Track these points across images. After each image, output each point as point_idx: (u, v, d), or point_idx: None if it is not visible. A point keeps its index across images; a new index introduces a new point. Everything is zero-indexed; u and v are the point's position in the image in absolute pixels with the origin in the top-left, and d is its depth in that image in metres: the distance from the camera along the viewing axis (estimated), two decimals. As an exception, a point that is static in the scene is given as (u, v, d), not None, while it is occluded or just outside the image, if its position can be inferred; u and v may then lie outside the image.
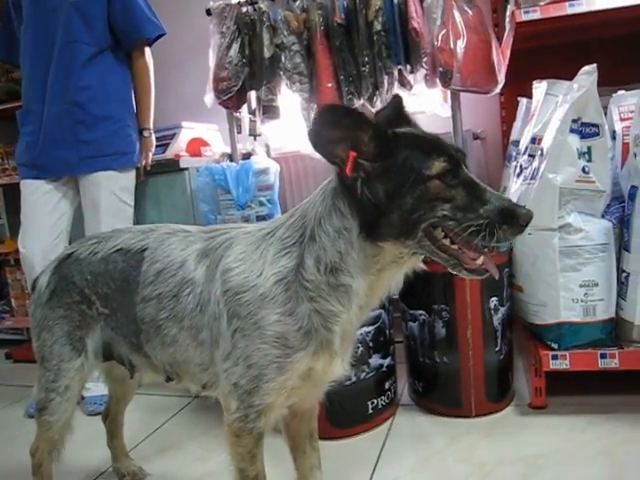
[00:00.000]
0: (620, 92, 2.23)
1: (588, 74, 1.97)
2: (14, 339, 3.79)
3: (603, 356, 2.02)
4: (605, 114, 2.11)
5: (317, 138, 1.07)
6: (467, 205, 1.08)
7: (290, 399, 1.30)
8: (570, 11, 2.15)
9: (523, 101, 2.63)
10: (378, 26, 2.45)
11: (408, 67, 2.51)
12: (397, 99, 1.30)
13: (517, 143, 2.53)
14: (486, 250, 1.14)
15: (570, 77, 2.07)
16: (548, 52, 2.70)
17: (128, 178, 2.59)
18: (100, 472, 2.03)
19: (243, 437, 1.28)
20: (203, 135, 3.15)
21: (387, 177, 1.08)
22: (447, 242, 1.12)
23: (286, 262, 1.20)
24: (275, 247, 1.23)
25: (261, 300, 1.20)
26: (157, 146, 2.80)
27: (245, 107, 2.86)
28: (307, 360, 1.22)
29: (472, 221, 1.07)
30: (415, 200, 1.07)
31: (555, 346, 2.08)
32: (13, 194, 2.67)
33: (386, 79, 2.50)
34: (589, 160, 2.02)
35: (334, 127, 1.06)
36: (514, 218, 1.07)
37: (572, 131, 2.00)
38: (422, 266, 1.24)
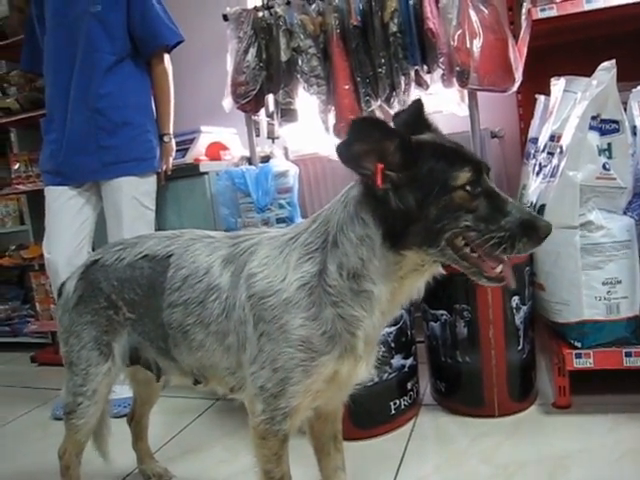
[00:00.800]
0: (640, 87, 2.21)
1: (607, 70, 1.96)
2: (39, 342, 3.86)
3: (628, 354, 2.00)
4: (625, 110, 2.09)
5: (347, 153, 1.08)
6: (489, 216, 1.09)
7: (315, 402, 1.31)
8: (587, 7, 2.13)
9: (541, 99, 2.61)
10: (394, 27, 2.45)
11: (425, 67, 2.51)
12: (418, 103, 1.31)
13: (535, 141, 2.52)
14: (506, 259, 1.15)
15: (588, 74, 2.05)
16: (565, 49, 2.67)
17: (149, 183, 2.62)
18: (126, 474, 2.05)
19: (269, 439, 1.29)
20: (222, 139, 3.18)
21: (413, 187, 1.09)
22: (468, 251, 1.12)
23: (309, 267, 1.22)
24: (298, 252, 1.24)
25: (285, 305, 1.22)
26: (177, 151, 2.83)
27: (263, 110, 2.88)
28: (332, 364, 1.23)
29: (493, 233, 1.08)
30: (440, 210, 1.09)
31: (578, 345, 2.06)
32: (37, 200, 2.72)
33: (403, 80, 2.51)
34: (610, 157, 2.01)
35: (363, 141, 1.07)
36: (534, 230, 1.08)
37: (592, 128, 1.98)
38: (441, 271, 1.24)
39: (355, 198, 1.17)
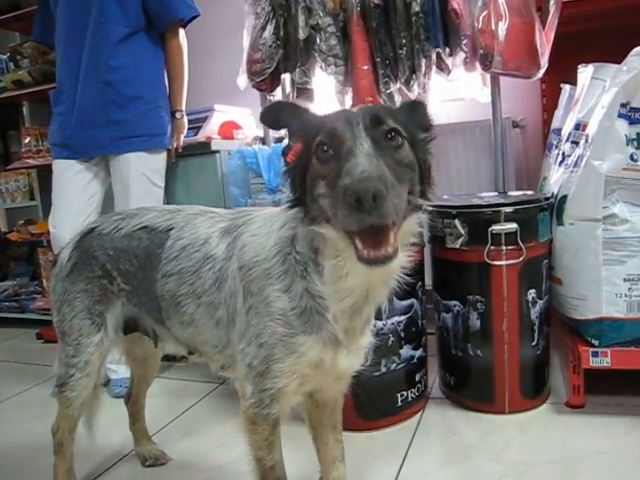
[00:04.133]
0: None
1: (639, 56, 1.87)
2: (45, 319, 3.81)
3: (647, 354, 1.92)
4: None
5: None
6: (334, 181, 0.94)
7: (303, 386, 1.27)
8: (621, -11, 2.04)
9: (566, 88, 2.52)
10: (416, 7, 2.37)
11: (447, 50, 2.42)
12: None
13: (558, 132, 2.43)
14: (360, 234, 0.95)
15: (618, 62, 1.96)
16: (594, 36, 2.56)
17: (159, 160, 2.56)
18: (123, 455, 2.01)
19: (259, 424, 1.26)
20: (236, 118, 3.11)
21: (302, 160, 1.06)
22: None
23: (283, 232, 1.19)
24: (281, 221, 1.21)
25: (266, 275, 1.19)
26: (189, 129, 2.77)
27: (279, 90, 2.81)
28: (317, 350, 1.18)
29: (329, 198, 0.96)
30: (308, 180, 1.04)
31: (595, 342, 1.98)
32: (47, 175, 2.67)
33: (424, 62, 2.42)
34: (638, 147, 1.92)
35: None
36: (345, 198, 0.88)
37: (620, 116, 1.90)
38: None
39: None
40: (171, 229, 1.43)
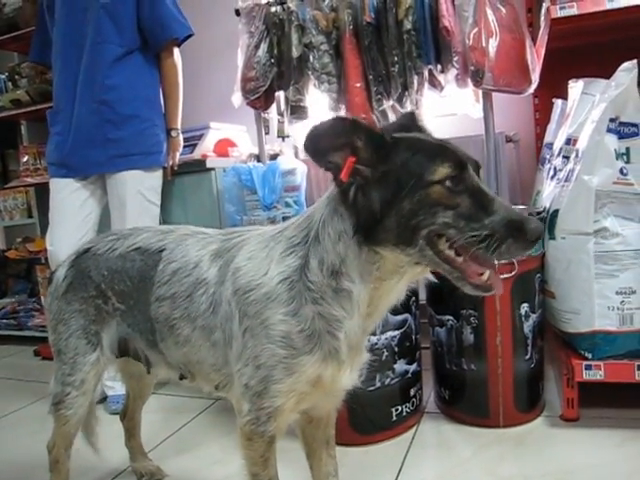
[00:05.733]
0: (661, 90, 2.13)
1: (627, 71, 1.89)
2: (43, 336, 3.81)
3: (641, 367, 1.93)
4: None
5: (313, 147, 1.03)
6: (471, 214, 1.01)
7: (300, 404, 1.27)
8: (609, 6, 2.06)
9: (558, 102, 2.54)
10: (408, 25, 2.41)
11: (439, 67, 2.45)
12: (411, 114, 1.27)
13: (551, 146, 2.45)
14: (493, 264, 1.07)
15: (609, 77, 1.98)
16: (585, 51, 2.59)
17: (155, 178, 2.58)
18: (119, 471, 2.01)
19: (255, 440, 1.25)
20: (231, 136, 3.14)
21: (385, 182, 1.04)
22: (452, 253, 1.05)
23: (291, 261, 1.18)
24: (282, 246, 1.21)
25: (266, 299, 1.18)
26: (185, 146, 2.79)
27: (274, 108, 2.84)
28: (315, 367, 1.18)
29: (475, 231, 1.00)
30: (414, 205, 1.02)
31: (589, 356, 1.99)
32: (45, 194, 2.68)
33: (416, 79, 2.45)
34: (627, 161, 1.94)
35: (328, 135, 1.02)
36: (522, 232, 0.99)
37: (609, 131, 1.91)
38: (430, 277, 1.18)
39: (336, 195, 1.13)
40: (163, 250, 1.43)
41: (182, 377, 1.51)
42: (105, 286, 1.51)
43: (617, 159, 1.92)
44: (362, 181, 1.05)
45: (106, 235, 1.62)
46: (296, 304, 1.16)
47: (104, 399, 2.59)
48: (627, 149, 1.94)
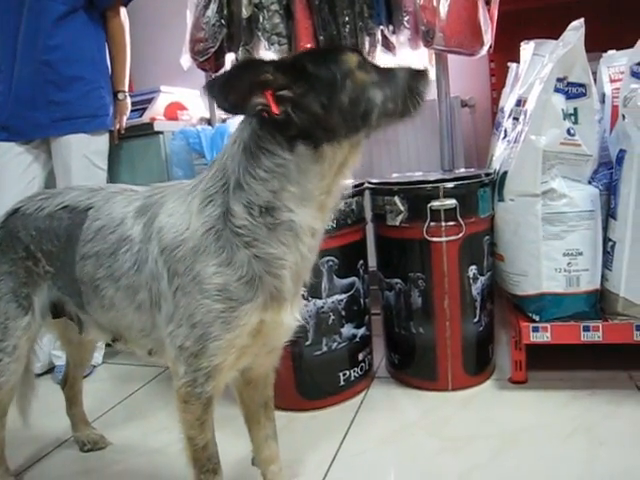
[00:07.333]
0: (610, 52, 2.11)
1: (575, 29, 1.87)
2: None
3: (586, 329, 1.93)
4: (595, 79, 2.00)
5: (227, 105, 1.03)
6: (389, 84, 1.09)
7: (241, 360, 1.24)
8: (559, -35, 2.03)
9: (513, 66, 2.52)
10: (360, -16, 2.34)
11: (391, 28, 2.39)
12: None
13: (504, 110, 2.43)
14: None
15: (561, 38, 1.96)
16: (539, 14, 2.58)
17: (101, 142, 2.49)
18: (62, 441, 1.97)
19: (191, 403, 1.21)
20: (183, 100, 3.04)
21: (313, 91, 1.04)
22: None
23: (211, 210, 1.14)
24: (199, 199, 1.17)
25: (194, 253, 1.14)
26: (134, 110, 2.71)
27: (223, 70, 2.75)
28: (257, 314, 1.15)
29: (402, 95, 1.09)
30: (351, 95, 1.05)
31: (536, 318, 1.99)
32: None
33: (368, 40, 2.39)
34: (575, 122, 1.92)
35: (235, 88, 1.01)
36: (418, 72, 1.12)
37: (557, 90, 1.89)
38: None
39: (251, 136, 1.10)
40: (90, 208, 1.39)
41: (115, 339, 1.47)
42: (34, 247, 1.46)
43: (564, 119, 1.90)
44: (290, 104, 1.04)
45: (37, 195, 1.56)
46: (228, 252, 1.12)
47: (52, 369, 2.53)
48: (575, 109, 1.92)
